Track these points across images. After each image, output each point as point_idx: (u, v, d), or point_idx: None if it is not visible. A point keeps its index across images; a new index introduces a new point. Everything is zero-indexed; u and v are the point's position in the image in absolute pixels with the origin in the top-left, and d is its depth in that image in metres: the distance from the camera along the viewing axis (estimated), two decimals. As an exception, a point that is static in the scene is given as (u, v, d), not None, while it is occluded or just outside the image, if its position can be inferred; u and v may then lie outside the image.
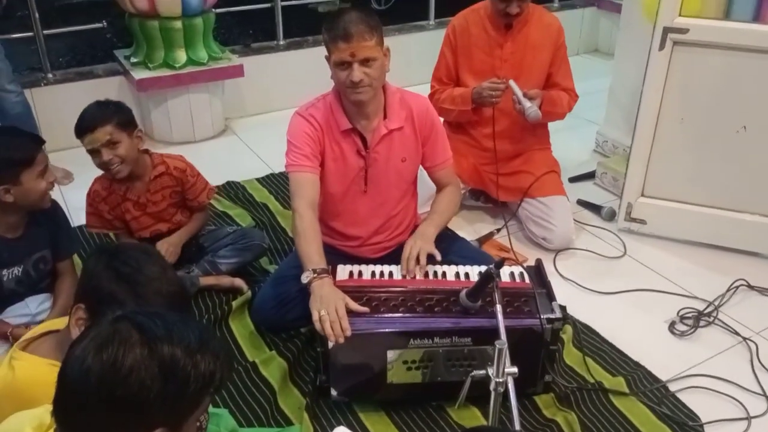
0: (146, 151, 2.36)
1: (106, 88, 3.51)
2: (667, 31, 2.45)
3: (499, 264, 1.75)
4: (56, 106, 3.39)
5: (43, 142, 2.14)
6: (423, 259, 2.03)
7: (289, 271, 2.22)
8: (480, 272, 1.96)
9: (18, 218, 2.06)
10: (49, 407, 1.06)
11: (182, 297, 1.42)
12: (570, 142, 3.51)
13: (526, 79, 2.65)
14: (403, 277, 2.03)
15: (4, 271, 2.06)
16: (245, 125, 3.88)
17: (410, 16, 4.67)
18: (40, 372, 1.34)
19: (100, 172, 2.32)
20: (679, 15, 2.43)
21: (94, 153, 2.19)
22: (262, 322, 2.25)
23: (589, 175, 3.28)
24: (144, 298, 1.29)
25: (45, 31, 3.45)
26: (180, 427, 1.01)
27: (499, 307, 1.66)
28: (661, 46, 2.49)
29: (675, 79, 2.54)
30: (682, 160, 2.67)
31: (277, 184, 3.20)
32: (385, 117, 2.15)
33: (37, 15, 3.35)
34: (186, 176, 2.40)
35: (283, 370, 2.07)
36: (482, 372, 1.56)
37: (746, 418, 1.96)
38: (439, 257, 2.05)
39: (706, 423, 1.93)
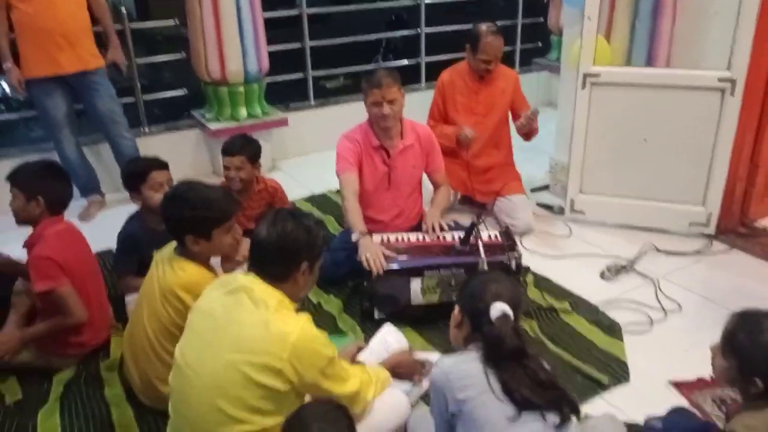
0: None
1: (187, 137, 4.34)
2: (585, 75, 3.28)
3: (480, 215, 2.52)
4: (152, 149, 4.08)
5: (162, 165, 2.71)
6: (438, 226, 2.79)
7: (337, 245, 2.94)
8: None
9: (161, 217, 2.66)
10: None
11: None
12: (532, 167, 4.20)
13: (494, 114, 3.51)
14: (416, 239, 2.79)
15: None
16: (288, 163, 4.67)
17: (406, 80, 5.50)
18: (196, 273, 2.06)
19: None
20: (593, 64, 3.27)
21: (226, 168, 2.96)
22: (321, 278, 2.92)
23: (545, 187, 4.06)
24: None
25: (144, 97, 4.29)
26: (313, 266, 1.76)
27: (480, 241, 2.41)
28: (583, 87, 3.31)
29: (594, 109, 3.35)
30: (605, 166, 3.45)
31: (318, 201, 3.97)
32: (401, 137, 2.95)
33: (139, 85, 4.21)
34: (277, 193, 3.19)
35: (338, 306, 2.79)
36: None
37: (650, 322, 2.68)
38: (445, 226, 2.83)
39: (623, 324, 2.64)
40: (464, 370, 1.58)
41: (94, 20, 3.61)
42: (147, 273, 2.59)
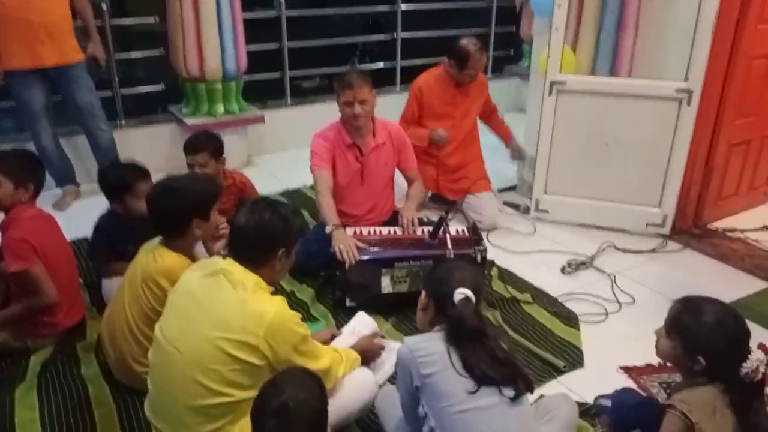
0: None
1: (163, 131, 4.40)
2: (552, 83, 3.45)
3: (448, 211, 2.65)
4: (128, 143, 4.19)
5: (147, 175, 2.70)
6: (416, 222, 2.91)
7: (311, 237, 3.03)
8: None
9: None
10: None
11: None
12: (502, 168, 4.37)
13: (469, 116, 3.70)
14: (388, 232, 2.91)
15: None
16: (263, 159, 4.76)
17: (382, 82, 5.65)
18: (175, 261, 2.15)
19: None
20: (560, 72, 3.44)
21: (190, 167, 3.03)
22: (295, 269, 2.99)
23: (513, 187, 4.23)
24: None
25: (121, 91, 4.34)
26: (289, 252, 1.87)
27: (448, 236, 2.54)
28: (549, 93, 3.48)
29: (560, 115, 3.52)
30: (569, 168, 3.62)
31: (292, 196, 4.09)
32: (373, 136, 3.07)
33: (117, 79, 4.26)
34: (246, 187, 3.27)
35: (311, 294, 2.89)
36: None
37: (605, 314, 2.84)
38: (424, 219, 2.97)
39: (580, 314, 2.81)
40: (428, 347, 1.70)
41: (75, 14, 3.66)
42: (124, 259, 2.69)
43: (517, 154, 4.03)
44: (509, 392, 1.65)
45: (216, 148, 3.09)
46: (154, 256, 2.16)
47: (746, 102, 3.48)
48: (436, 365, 1.66)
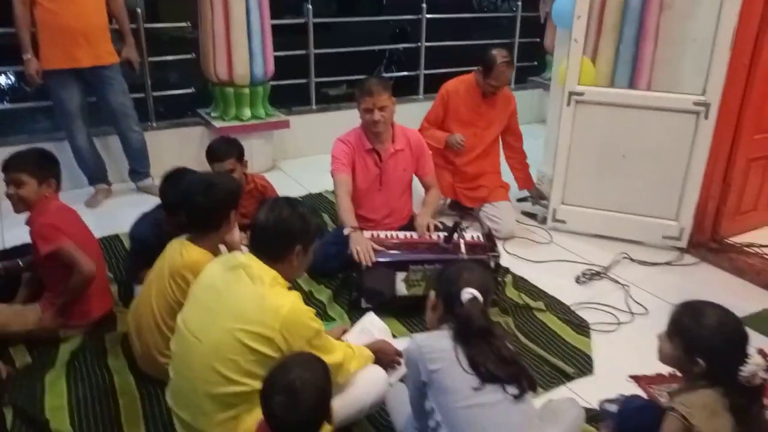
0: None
1: (192, 133, 4.54)
2: (570, 94, 3.50)
3: (462, 217, 2.72)
4: (158, 144, 4.35)
5: None
6: (431, 228, 2.98)
7: (330, 240, 3.13)
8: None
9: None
10: None
11: None
12: None
13: (492, 128, 3.77)
14: (404, 236, 2.99)
15: None
16: (287, 163, 4.88)
17: (406, 91, 5.74)
18: (200, 255, 2.25)
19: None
20: (578, 83, 3.49)
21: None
22: (313, 270, 3.11)
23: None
24: None
25: (153, 94, 4.49)
26: (306, 249, 1.95)
27: (462, 241, 2.61)
28: (568, 104, 3.53)
29: (578, 126, 3.56)
30: (586, 179, 3.66)
31: (314, 199, 4.19)
32: (393, 142, 3.16)
33: (149, 82, 4.42)
34: (267, 190, 3.37)
35: (329, 295, 2.98)
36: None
37: (617, 323, 2.88)
38: (440, 226, 3.04)
39: (592, 323, 2.84)
40: (436, 344, 1.77)
41: (111, 19, 3.82)
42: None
43: (537, 196, 4.07)
44: (513, 390, 1.71)
45: (240, 152, 3.19)
46: (180, 252, 2.27)
47: (765, 117, 3.49)
48: (442, 361, 1.73)
